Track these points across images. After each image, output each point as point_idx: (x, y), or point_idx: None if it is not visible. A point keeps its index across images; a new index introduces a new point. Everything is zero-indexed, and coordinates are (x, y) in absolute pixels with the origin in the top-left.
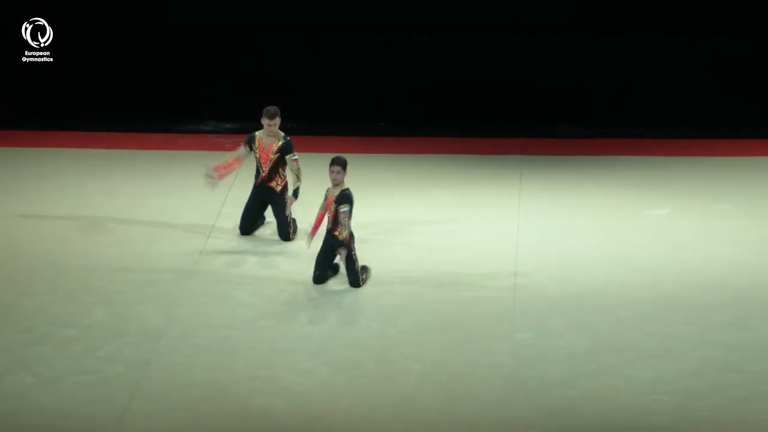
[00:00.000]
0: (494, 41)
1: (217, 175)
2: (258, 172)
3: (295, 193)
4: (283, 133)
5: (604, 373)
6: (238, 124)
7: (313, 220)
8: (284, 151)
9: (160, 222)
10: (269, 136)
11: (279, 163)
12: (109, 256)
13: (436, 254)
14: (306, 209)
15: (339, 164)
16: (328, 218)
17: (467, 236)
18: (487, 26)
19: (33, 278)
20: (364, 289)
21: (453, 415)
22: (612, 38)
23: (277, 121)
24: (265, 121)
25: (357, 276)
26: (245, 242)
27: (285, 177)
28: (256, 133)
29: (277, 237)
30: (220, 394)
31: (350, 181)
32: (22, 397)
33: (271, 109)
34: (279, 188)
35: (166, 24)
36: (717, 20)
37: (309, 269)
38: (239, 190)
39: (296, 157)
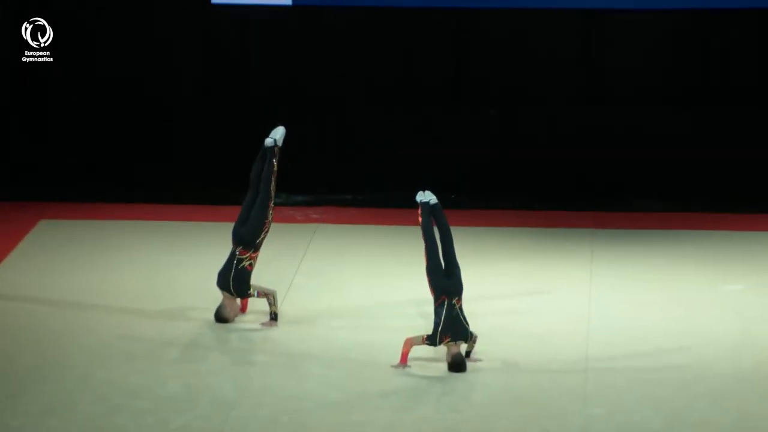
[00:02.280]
0: (569, 113)
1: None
2: None
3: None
4: None
5: None
6: (309, 197)
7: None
8: None
9: None
10: None
11: None
12: (182, 328)
13: (506, 327)
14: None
15: None
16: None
17: (537, 309)
18: (563, 98)
19: (106, 350)
20: (432, 363)
21: None
22: (685, 109)
23: None
24: None
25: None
26: (315, 314)
27: None
28: None
29: (345, 309)
30: None
31: (418, 255)
32: None
33: None
34: None
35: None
36: None
37: (377, 340)
38: (311, 261)
39: None
